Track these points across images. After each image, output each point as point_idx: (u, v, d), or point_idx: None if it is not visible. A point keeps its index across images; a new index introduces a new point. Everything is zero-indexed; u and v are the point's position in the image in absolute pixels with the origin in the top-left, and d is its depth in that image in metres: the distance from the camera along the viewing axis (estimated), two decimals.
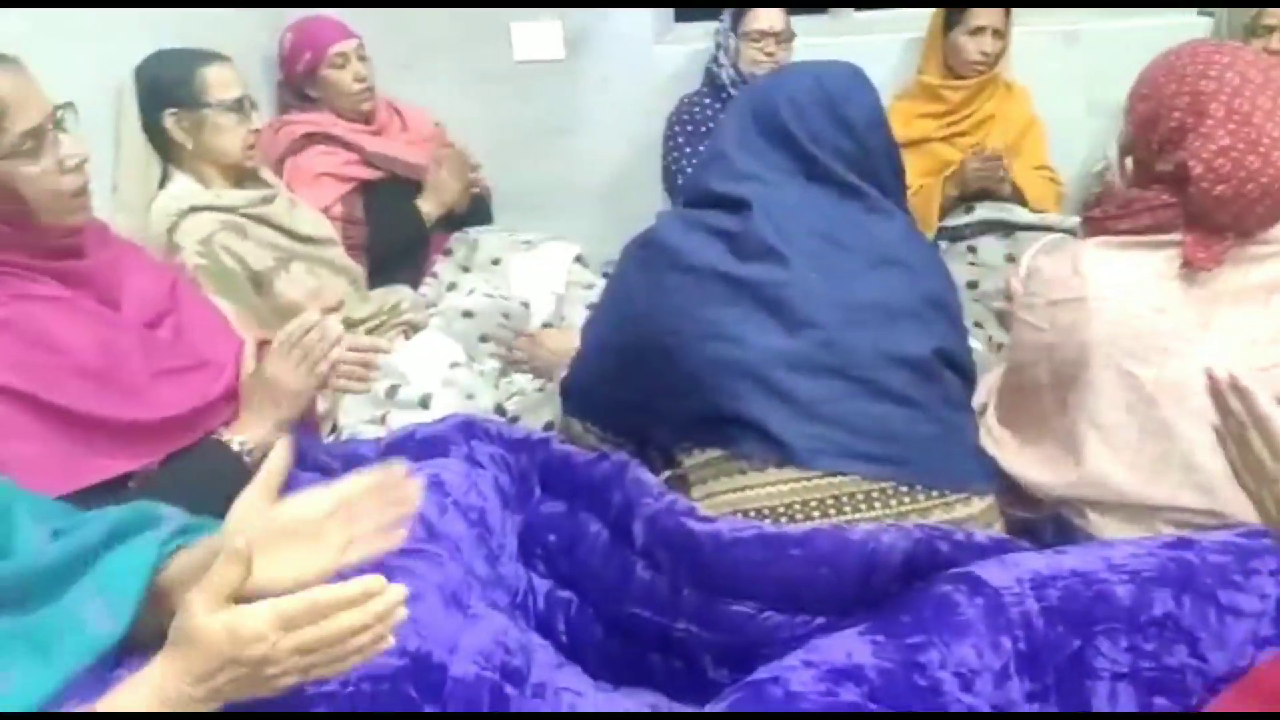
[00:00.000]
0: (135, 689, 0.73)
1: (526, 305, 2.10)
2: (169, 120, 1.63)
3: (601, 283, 2.19)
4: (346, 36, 2.08)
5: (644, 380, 1.17)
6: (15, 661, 0.76)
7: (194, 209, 1.61)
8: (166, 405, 1.20)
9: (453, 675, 0.86)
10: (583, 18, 2.45)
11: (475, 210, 2.32)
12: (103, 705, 0.72)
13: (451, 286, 2.16)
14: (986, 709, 0.91)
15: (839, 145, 1.16)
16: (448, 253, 2.26)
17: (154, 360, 1.22)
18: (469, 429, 1.37)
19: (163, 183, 1.68)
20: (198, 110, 1.63)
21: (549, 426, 1.54)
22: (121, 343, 1.20)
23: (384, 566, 0.94)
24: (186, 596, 0.74)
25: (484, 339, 1.94)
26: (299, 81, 2.10)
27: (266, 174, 1.81)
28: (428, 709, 0.83)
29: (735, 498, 1.11)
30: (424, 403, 1.64)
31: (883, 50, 2.46)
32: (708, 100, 2.33)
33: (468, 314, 1.98)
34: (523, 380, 1.87)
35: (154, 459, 1.18)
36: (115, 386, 1.16)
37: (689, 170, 2.25)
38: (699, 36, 2.49)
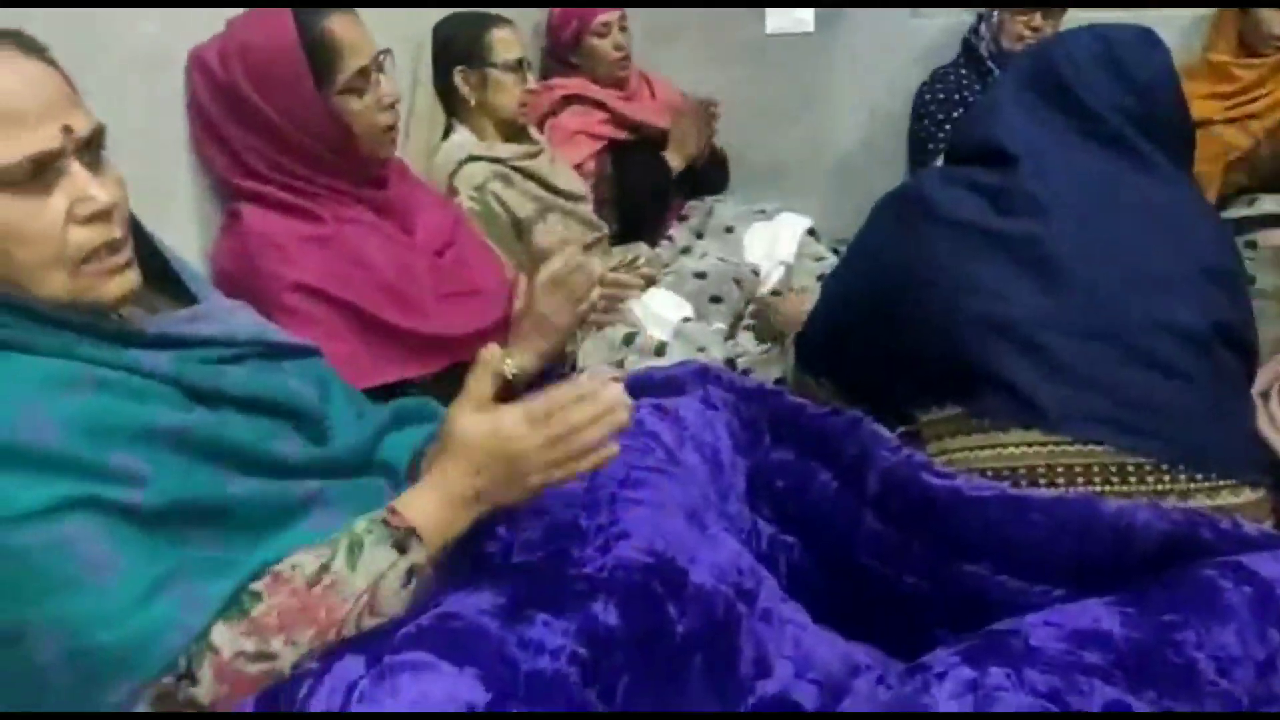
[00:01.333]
0: (419, 490, 0.87)
1: (756, 272, 2.14)
2: (458, 76, 1.80)
3: (831, 258, 2.20)
4: (611, 8, 2.20)
5: (889, 333, 1.17)
6: (341, 498, 0.94)
7: (471, 158, 1.77)
8: (448, 324, 1.35)
9: (693, 581, 0.92)
10: None
11: (714, 172, 2.38)
12: (399, 503, 0.86)
13: (685, 250, 2.24)
14: (1244, 700, 0.86)
15: (1121, 102, 1.11)
16: (683, 218, 2.34)
17: (440, 284, 1.37)
18: (704, 374, 1.42)
19: (445, 134, 1.86)
20: (483, 68, 1.80)
21: (779, 383, 1.58)
22: (415, 265, 1.36)
23: (630, 476, 1.03)
24: (449, 410, 0.88)
25: (714, 299, 2.00)
26: (563, 48, 2.25)
27: (533, 131, 1.96)
28: (670, 607, 0.89)
29: (972, 456, 1.09)
30: (659, 351, 1.73)
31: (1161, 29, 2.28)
32: (964, 72, 2.27)
33: (700, 275, 2.05)
34: (748, 343, 1.91)
35: (432, 370, 1.33)
36: (409, 302, 1.32)
37: (941, 141, 2.21)
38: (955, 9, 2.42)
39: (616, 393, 0.85)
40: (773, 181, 2.49)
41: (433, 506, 0.86)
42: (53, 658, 0.74)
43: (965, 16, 2.31)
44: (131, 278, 0.86)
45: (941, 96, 2.26)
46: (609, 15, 2.19)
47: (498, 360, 0.88)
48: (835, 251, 2.19)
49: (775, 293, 2.10)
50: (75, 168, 0.79)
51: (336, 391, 1.06)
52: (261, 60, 1.21)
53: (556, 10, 2.25)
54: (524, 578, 0.86)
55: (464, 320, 1.36)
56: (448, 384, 1.33)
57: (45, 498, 0.74)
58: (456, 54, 1.80)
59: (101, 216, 0.81)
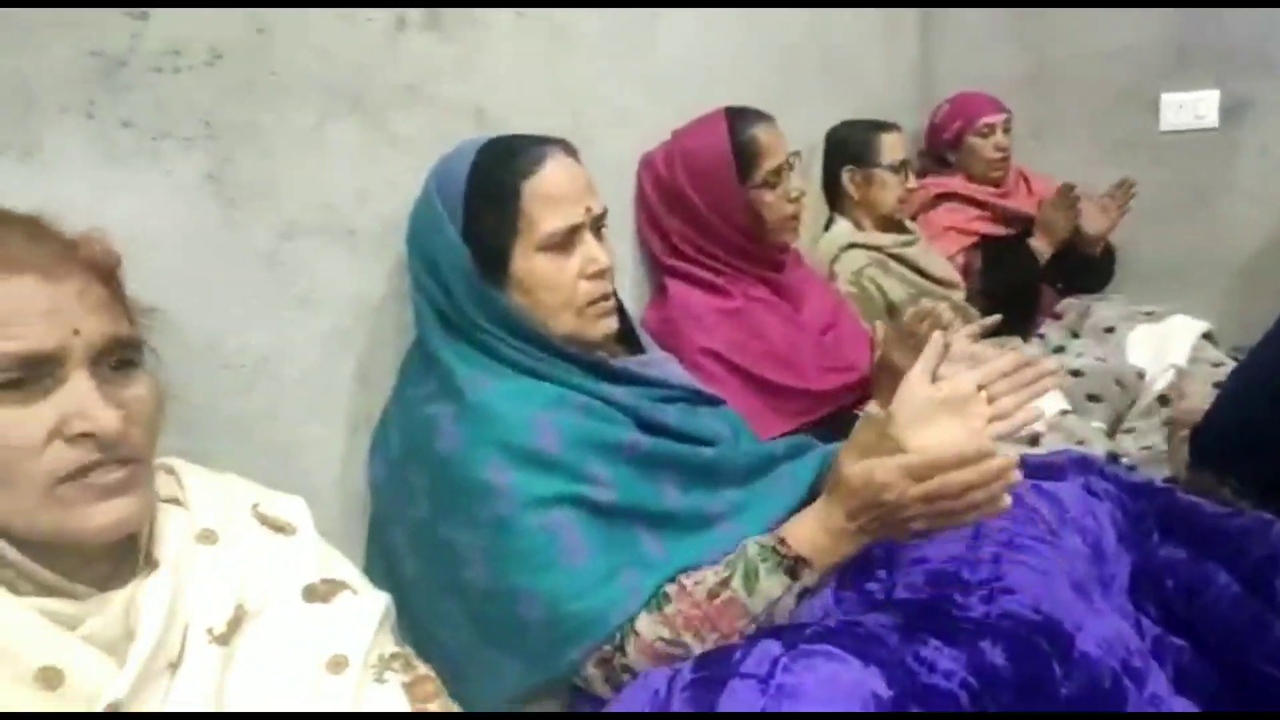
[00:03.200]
0: (806, 518, 0.98)
1: (1141, 375, 2.04)
2: (845, 174, 1.98)
3: (1229, 364, 2.03)
4: (998, 111, 2.28)
5: None
6: (742, 512, 1.08)
7: (852, 245, 1.93)
8: (823, 383, 1.49)
9: (1079, 648, 0.94)
10: (1243, 86, 2.31)
11: (1099, 264, 2.32)
12: (785, 528, 0.97)
13: (1058, 349, 2.19)
14: None
15: None
16: (1057, 316, 2.30)
17: (821, 358, 1.52)
18: (1085, 463, 1.41)
19: (827, 225, 2.04)
20: (869, 168, 1.96)
21: (1168, 482, 1.50)
22: (802, 341, 1.52)
23: (1013, 540, 1.07)
24: (840, 453, 0.96)
25: (1091, 398, 1.94)
26: (942, 147, 2.35)
27: (909, 223, 2.08)
28: (1055, 666, 0.91)
29: None
30: (1033, 441, 1.72)
31: None
32: None
33: (1076, 373, 2.00)
34: (1130, 445, 1.83)
35: (809, 419, 1.47)
36: (794, 368, 1.48)
37: None
38: None
39: (1004, 462, 0.87)
40: (1162, 282, 2.36)
41: (818, 536, 0.96)
42: (536, 618, 0.95)
43: None
44: (613, 323, 1.11)
45: None
46: (994, 117, 2.27)
47: (878, 414, 0.96)
48: (1234, 357, 2.03)
49: (1163, 398, 1.98)
50: (589, 237, 1.07)
51: (743, 433, 1.23)
52: (698, 161, 1.47)
53: (942, 111, 2.36)
54: (913, 608, 0.94)
55: (834, 379, 1.50)
56: (823, 433, 1.47)
57: (547, 489, 0.97)
58: (848, 154, 1.99)
59: (601, 274, 1.07)
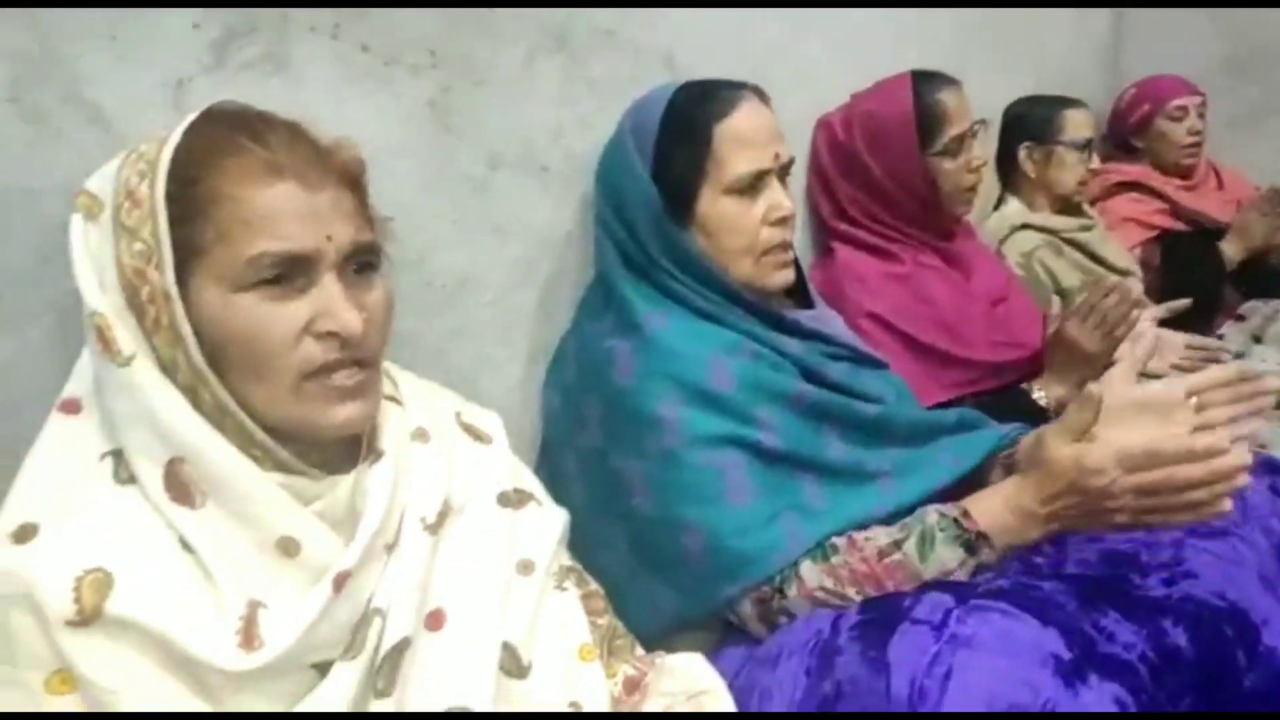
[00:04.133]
0: (993, 495, 0.95)
1: None
2: (1023, 151, 1.91)
3: None
4: (1190, 93, 2.14)
5: None
6: (903, 473, 1.07)
7: (1024, 226, 1.86)
8: (989, 355, 1.46)
9: (1265, 641, 0.90)
10: None
11: None
12: (969, 502, 0.95)
13: (1239, 355, 2.06)
14: None
15: None
16: (1240, 318, 2.16)
17: (991, 331, 1.48)
18: (1271, 466, 1.33)
19: (996, 205, 1.98)
20: (1050, 145, 1.88)
21: None
22: (970, 310, 1.49)
23: (1196, 528, 1.02)
24: (1043, 432, 0.92)
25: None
26: (1127, 132, 2.23)
27: (1087, 208, 1.99)
28: (1239, 655, 0.88)
29: None
30: None
31: None
32: None
33: None
34: None
35: (971, 391, 1.44)
36: (960, 337, 1.45)
37: None
38: None
39: (1237, 461, 0.81)
40: None
41: (1005, 516, 0.94)
42: (696, 549, 0.98)
43: None
44: (790, 274, 1.12)
45: None
46: (1187, 99, 2.13)
47: (1097, 396, 0.88)
48: None
49: None
50: (775, 183, 1.09)
51: (906, 396, 1.22)
52: (878, 124, 1.44)
53: (1129, 95, 2.24)
54: (1087, 583, 0.92)
55: (1004, 353, 1.46)
56: (990, 405, 1.42)
57: (716, 428, 1.00)
58: (1027, 130, 1.91)
59: (784, 221, 1.09)
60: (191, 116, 0.69)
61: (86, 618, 0.62)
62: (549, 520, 0.90)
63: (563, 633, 0.84)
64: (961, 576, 0.94)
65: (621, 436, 1.01)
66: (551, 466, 1.13)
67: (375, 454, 0.78)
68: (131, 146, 0.70)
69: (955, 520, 0.96)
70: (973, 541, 0.94)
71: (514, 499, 0.88)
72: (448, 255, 1.07)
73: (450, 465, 0.84)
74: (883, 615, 0.82)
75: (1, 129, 0.74)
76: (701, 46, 1.31)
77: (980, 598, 0.83)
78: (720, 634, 1.06)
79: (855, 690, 0.77)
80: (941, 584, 0.89)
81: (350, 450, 0.79)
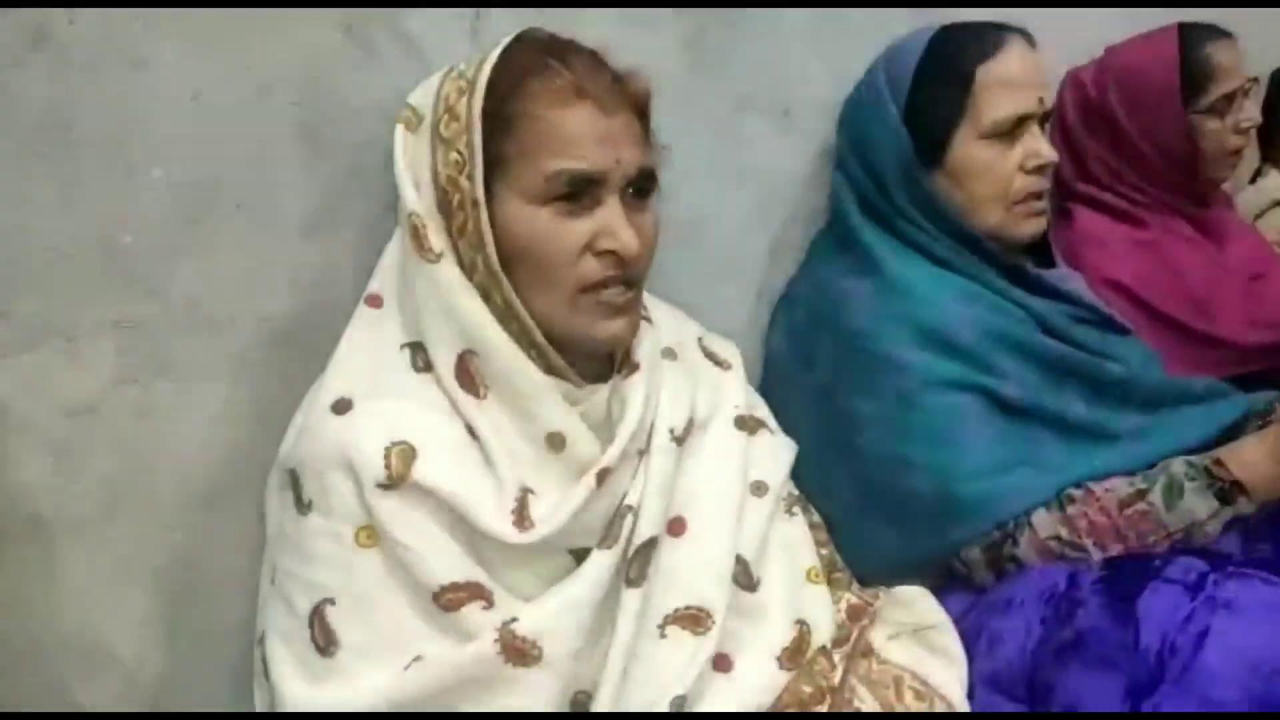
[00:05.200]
0: (1254, 444, 0.92)
1: None
2: None
3: None
4: None
5: None
6: (1147, 436, 1.03)
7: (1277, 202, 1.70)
8: (1241, 336, 1.35)
9: None
10: None
11: None
12: (1222, 451, 0.91)
13: None
14: None
15: None
16: None
17: (1250, 308, 1.37)
18: None
19: (1254, 177, 1.81)
20: None
21: None
22: (1224, 285, 1.38)
23: None
24: None
25: None
26: None
27: None
28: None
29: None
30: None
31: None
32: None
33: None
34: None
35: (1221, 374, 1.34)
36: (1208, 314, 1.35)
37: None
38: None
39: None
40: None
41: (1265, 464, 0.89)
42: (925, 490, 0.98)
43: None
44: (1042, 224, 1.09)
45: None
46: None
47: None
48: None
49: None
50: (1035, 129, 1.06)
51: (1152, 362, 1.16)
52: (1137, 78, 1.35)
53: None
54: None
55: (1261, 334, 1.35)
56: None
57: (953, 373, 0.99)
58: None
59: (1042, 169, 1.06)
60: (506, 39, 0.76)
61: (394, 482, 0.71)
62: (780, 448, 0.93)
63: (791, 555, 0.87)
64: (1213, 530, 0.90)
65: (854, 376, 1.02)
66: (774, 406, 1.15)
67: (631, 366, 0.83)
68: (450, 66, 0.77)
69: (1206, 469, 0.92)
70: (1226, 490, 0.90)
71: (749, 424, 0.91)
72: (688, 193, 1.11)
73: (694, 384, 0.88)
74: (1130, 571, 0.80)
75: (335, 53, 0.84)
76: None
77: (1238, 564, 0.79)
78: (937, 581, 1.05)
79: (1098, 640, 0.76)
80: (1193, 551, 0.85)
81: (606, 362, 0.84)
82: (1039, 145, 1.05)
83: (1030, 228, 1.08)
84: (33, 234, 0.73)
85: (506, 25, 0.89)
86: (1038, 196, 1.07)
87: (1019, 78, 1.04)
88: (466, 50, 0.88)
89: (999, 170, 1.04)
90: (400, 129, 0.77)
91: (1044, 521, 0.94)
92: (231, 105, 0.80)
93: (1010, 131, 1.04)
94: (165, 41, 0.76)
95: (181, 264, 0.79)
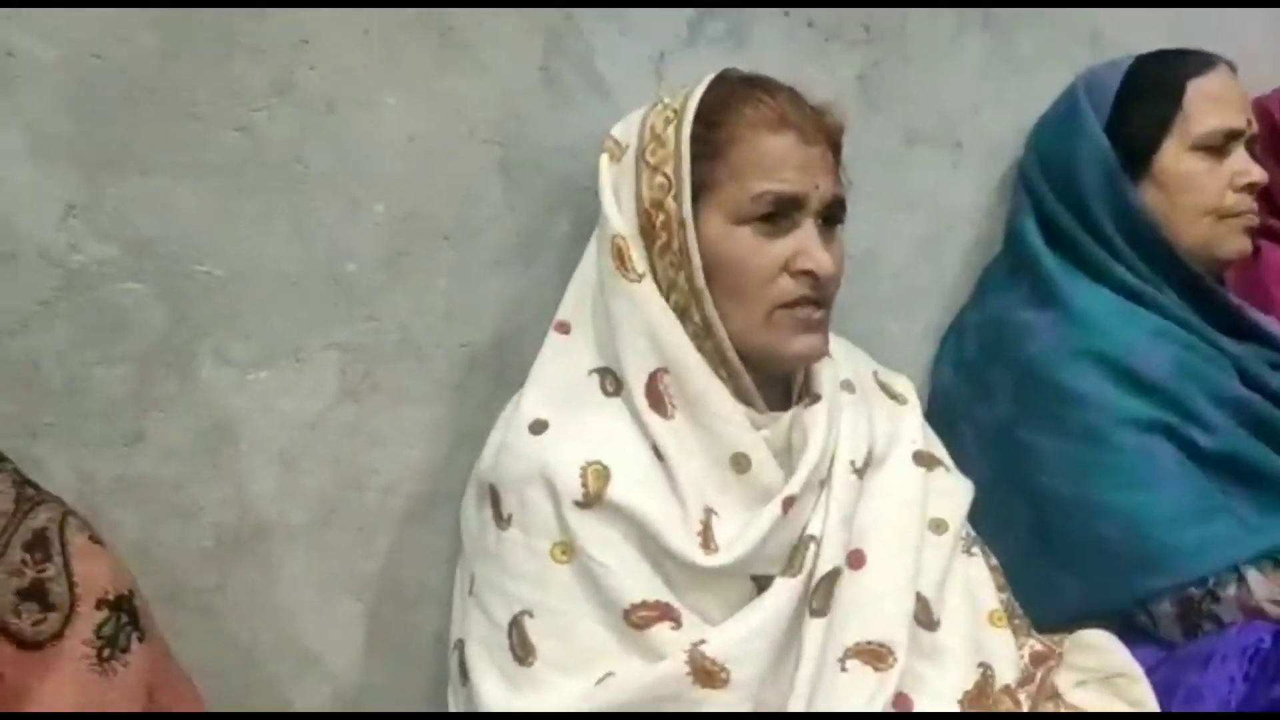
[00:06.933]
0: None
1: None
2: None
3: None
4: None
5: None
6: None
7: None
8: None
9: None
10: None
11: None
12: None
13: None
14: None
15: None
16: None
17: None
18: None
19: None
20: None
21: None
22: None
23: None
24: None
25: None
26: None
27: None
28: None
29: None
30: None
31: None
32: None
33: None
34: None
35: None
36: None
37: None
38: None
39: None
40: None
41: None
42: (1116, 537, 0.94)
43: None
44: (1248, 244, 1.07)
45: None
46: None
47: None
48: None
49: None
50: (1243, 150, 1.05)
51: None
52: None
53: None
54: None
55: None
56: None
57: (1146, 413, 0.95)
58: None
59: (1251, 188, 1.05)
60: (709, 76, 0.81)
61: (590, 501, 0.74)
62: (959, 486, 0.92)
63: (972, 596, 0.85)
64: None
65: (1036, 410, 1.00)
66: (942, 441, 1.13)
67: (812, 396, 0.84)
68: (654, 99, 0.83)
69: None
70: None
71: (927, 460, 0.90)
72: (856, 226, 1.10)
73: (871, 417, 0.88)
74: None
75: (532, 93, 0.89)
76: (1131, 22, 1.24)
77: None
78: (1115, 632, 1.00)
79: None
80: None
81: (784, 393, 0.86)
82: (1248, 165, 1.03)
83: (1237, 244, 1.05)
84: (270, 262, 0.81)
85: (688, 66, 0.94)
86: (1250, 213, 1.05)
87: (1228, 96, 1.04)
88: (652, 89, 0.92)
89: (1209, 183, 1.03)
90: (604, 159, 0.82)
91: (1259, 582, 0.90)
92: (441, 145, 0.86)
93: (1220, 146, 1.03)
94: (389, 87, 0.82)
95: (395, 292, 0.86)
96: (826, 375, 0.86)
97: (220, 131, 0.76)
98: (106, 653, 0.62)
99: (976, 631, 0.83)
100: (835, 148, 0.83)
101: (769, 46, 1.00)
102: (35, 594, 0.60)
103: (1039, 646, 0.85)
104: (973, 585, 0.86)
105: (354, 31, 0.80)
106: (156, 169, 0.74)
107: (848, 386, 0.89)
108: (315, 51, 0.78)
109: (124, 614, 0.64)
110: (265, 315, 0.81)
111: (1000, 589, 0.90)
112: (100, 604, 0.62)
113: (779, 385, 0.85)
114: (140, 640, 0.64)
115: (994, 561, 0.93)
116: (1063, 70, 1.15)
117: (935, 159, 1.15)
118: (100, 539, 0.66)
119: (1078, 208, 1.05)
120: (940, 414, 1.15)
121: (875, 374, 0.96)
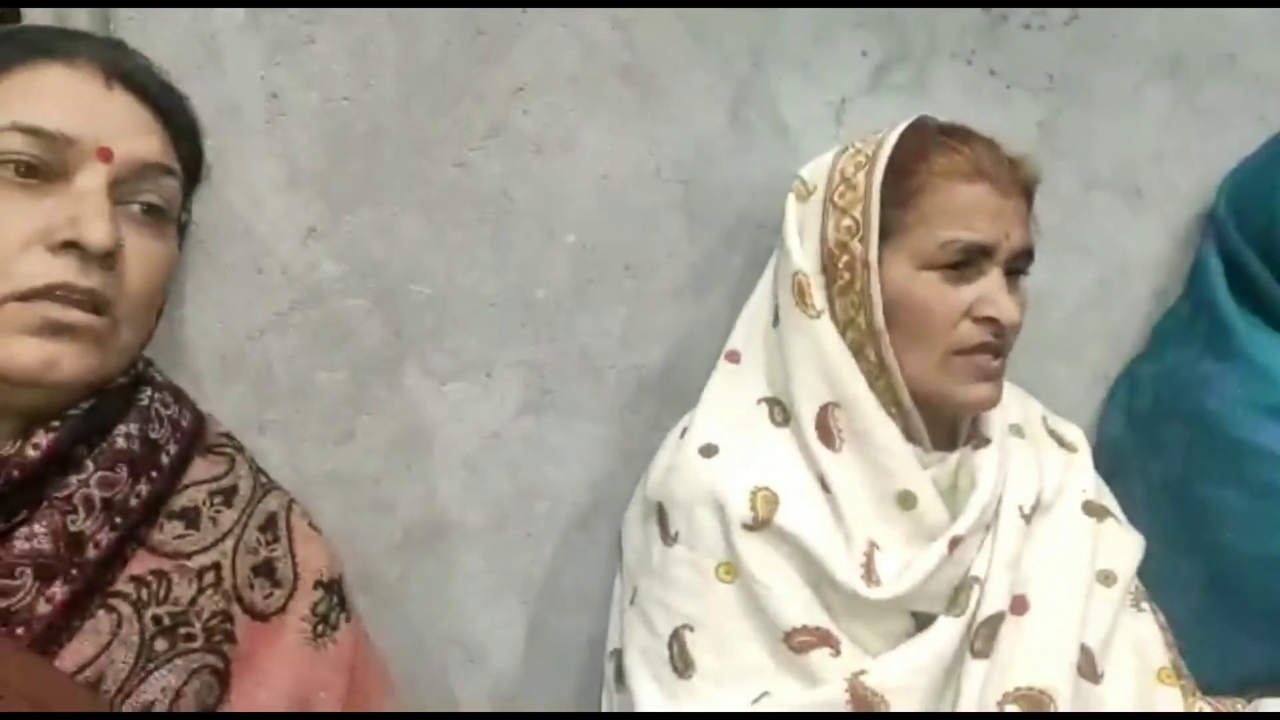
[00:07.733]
0: None
1: None
2: None
3: None
4: None
5: None
6: None
7: None
8: None
9: None
10: None
11: None
12: None
13: None
14: None
15: None
16: None
17: None
18: None
19: None
20: None
21: None
22: None
23: None
24: None
25: None
26: None
27: None
28: None
29: None
30: None
31: None
32: None
33: None
34: None
35: None
36: None
37: None
38: None
39: None
40: None
41: None
42: None
43: None
44: None
45: None
46: None
47: None
48: None
49: None
50: None
51: None
52: None
53: None
54: None
55: None
56: None
57: None
58: None
59: None
60: (904, 123, 0.83)
61: (758, 525, 0.77)
62: (1129, 540, 0.90)
63: (1141, 651, 0.83)
64: None
65: (1213, 465, 0.96)
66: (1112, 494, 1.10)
67: (980, 439, 0.84)
68: (845, 143, 0.86)
69: None
70: None
71: (1098, 510, 0.89)
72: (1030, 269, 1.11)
73: (1040, 463, 0.88)
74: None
75: (720, 138, 0.94)
76: None
77: None
78: None
79: None
80: None
81: (950, 435, 0.86)
82: None
83: None
84: (472, 284, 0.88)
85: (869, 112, 0.96)
86: None
87: None
88: (832, 134, 0.96)
89: None
90: (791, 198, 0.86)
91: None
92: (631, 183, 0.92)
93: None
94: (590, 128, 0.89)
95: (578, 316, 0.92)
96: (996, 419, 0.86)
97: (442, 168, 0.84)
98: (320, 629, 0.68)
99: (1145, 688, 0.81)
100: (1028, 199, 0.83)
101: (950, 93, 1.01)
102: (266, 571, 0.67)
103: (1209, 709, 0.82)
104: (1142, 641, 0.84)
105: (564, 79, 0.87)
106: (387, 199, 0.83)
107: (1016, 431, 0.89)
108: (529, 96, 0.86)
109: (335, 595, 0.70)
110: (464, 332, 0.88)
111: (1169, 646, 0.88)
112: (317, 584, 0.69)
113: (946, 426, 0.86)
114: (347, 620, 0.71)
115: (1162, 619, 0.90)
116: (1250, 123, 1.11)
117: (1113, 206, 1.13)
118: (317, 526, 0.73)
119: (1272, 259, 1.01)
120: (1109, 466, 1.12)
121: (1044, 419, 0.95)
